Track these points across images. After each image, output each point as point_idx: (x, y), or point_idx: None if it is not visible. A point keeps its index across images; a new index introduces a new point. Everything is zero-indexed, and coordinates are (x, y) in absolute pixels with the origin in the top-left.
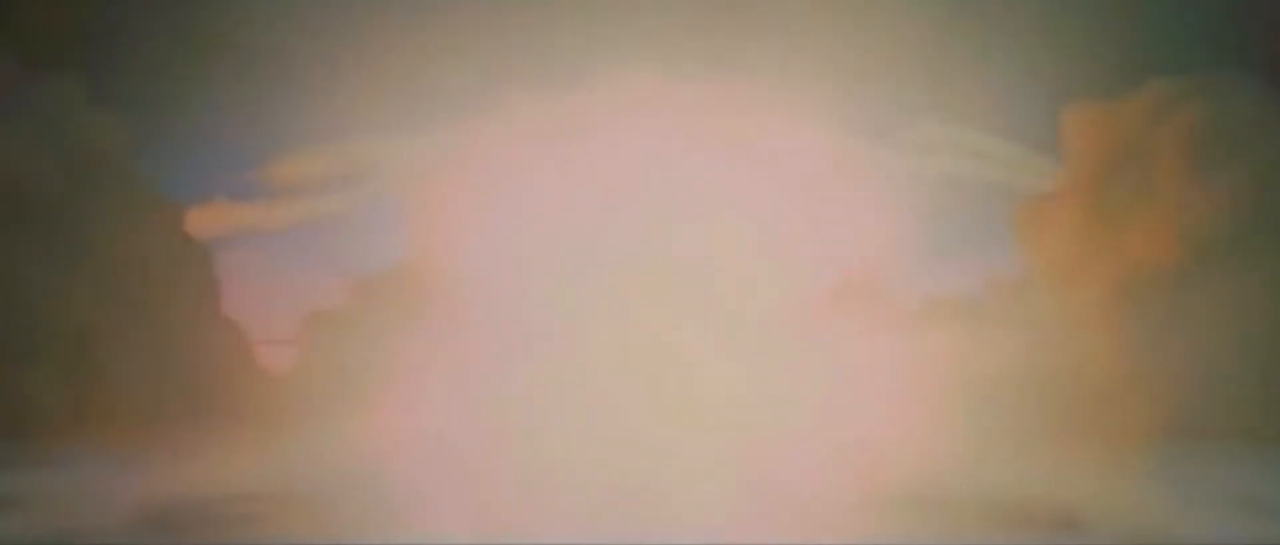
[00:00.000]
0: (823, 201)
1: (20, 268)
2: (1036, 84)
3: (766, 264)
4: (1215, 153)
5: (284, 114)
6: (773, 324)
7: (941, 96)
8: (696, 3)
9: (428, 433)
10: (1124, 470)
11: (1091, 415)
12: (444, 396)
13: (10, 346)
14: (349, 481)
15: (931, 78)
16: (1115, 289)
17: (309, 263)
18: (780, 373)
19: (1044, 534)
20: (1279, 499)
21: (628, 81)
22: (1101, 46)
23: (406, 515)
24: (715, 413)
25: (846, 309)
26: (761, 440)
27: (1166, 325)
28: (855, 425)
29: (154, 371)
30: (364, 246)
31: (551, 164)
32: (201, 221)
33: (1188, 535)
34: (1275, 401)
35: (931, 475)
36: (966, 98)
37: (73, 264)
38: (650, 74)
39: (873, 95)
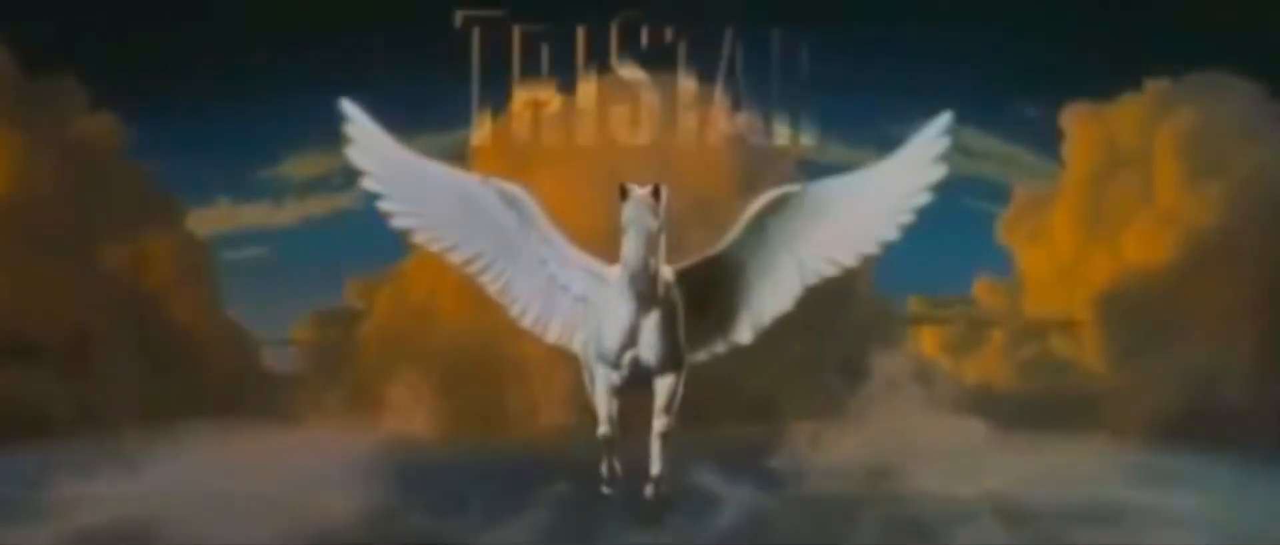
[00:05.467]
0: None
1: (20, 268)
2: (1034, 84)
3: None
4: (1212, 155)
5: (290, 112)
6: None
7: (937, 96)
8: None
9: (434, 434)
10: (1114, 473)
11: (1083, 418)
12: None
13: (10, 347)
14: (354, 482)
15: (927, 77)
16: (1110, 291)
17: (315, 262)
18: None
19: (1034, 534)
20: (1265, 509)
21: (625, 80)
22: (1100, 46)
23: (413, 516)
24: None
25: (840, 311)
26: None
27: (1160, 328)
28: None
29: (156, 372)
30: (371, 245)
31: (556, 161)
32: (204, 221)
33: (1173, 537)
34: (1269, 406)
35: (922, 475)
36: (962, 98)
37: (73, 264)
38: (646, 73)
39: (866, 94)
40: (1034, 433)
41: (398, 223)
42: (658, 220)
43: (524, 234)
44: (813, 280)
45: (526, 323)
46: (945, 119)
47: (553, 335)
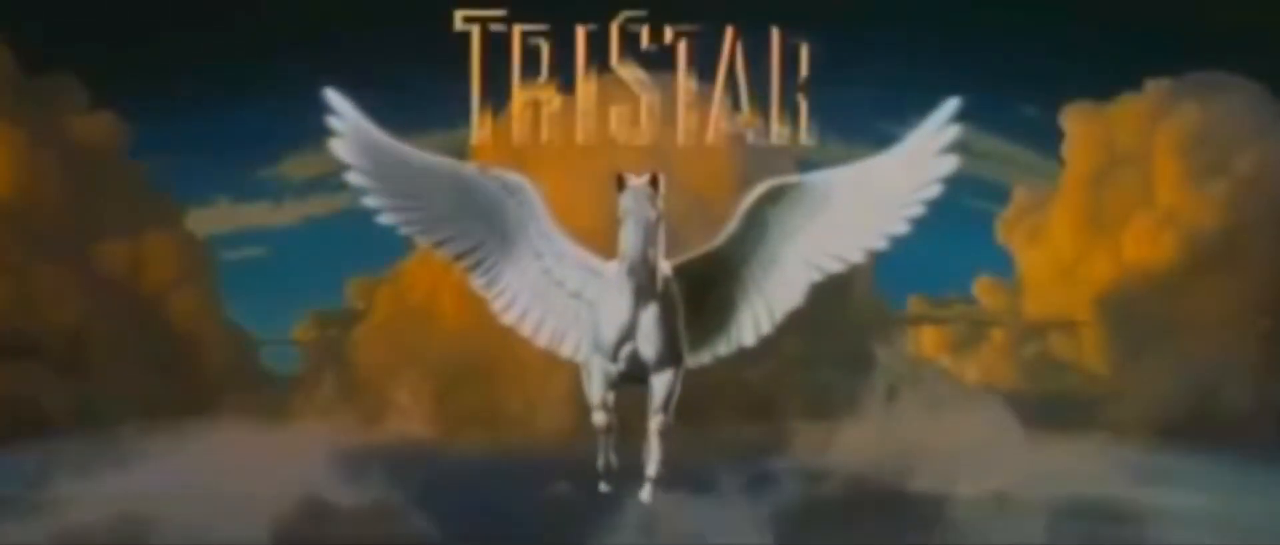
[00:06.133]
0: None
1: (20, 267)
2: (1034, 84)
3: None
4: (1213, 155)
5: (290, 112)
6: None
7: (937, 96)
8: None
9: (433, 434)
10: (1115, 472)
11: (1084, 417)
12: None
13: (10, 346)
14: (353, 481)
15: (927, 77)
16: (1110, 291)
17: (315, 262)
18: None
19: (1035, 533)
20: (1265, 508)
21: (625, 80)
22: (1100, 47)
23: (412, 516)
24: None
25: (840, 310)
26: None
27: (1161, 328)
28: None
29: (155, 371)
30: (371, 245)
31: (556, 161)
32: (204, 221)
33: (1174, 536)
34: (1270, 406)
35: (923, 474)
36: (962, 97)
37: (73, 264)
38: (646, 73)
39: (866, 94)
40: (1035, 432)
41: (385, 218)
42: (656, 210)
43: (521, 225)
44: (818, 276)
45: (514, 316)
46: (951, 107)
47: (545, 336)
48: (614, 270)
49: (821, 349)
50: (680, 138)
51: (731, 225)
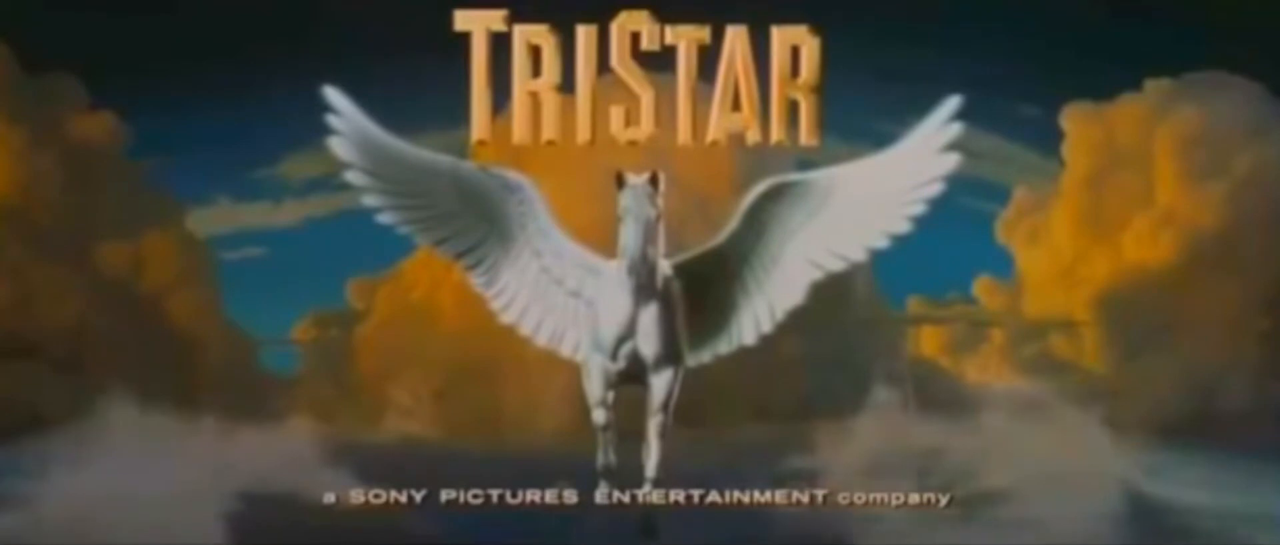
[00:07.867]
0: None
1: (18, 267)
2: (1034, 84)
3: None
4: (1212, 155)
5: (290, 112)
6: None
7: (937, 96)
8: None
9: (434, 434)
10: (1115, 472)
11: (1084, 418)
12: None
13: (8, 347)
14: (352, 482)
15: (927, 76)
16: (1110, 291)
17: (315, 262)
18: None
19: (1035, 534)
20: (1266, 508)
21: (625, 80)
22: (1100, 46)
23: (413, 516)
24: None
25: (839, 310)
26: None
27: (1161, 328)
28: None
29: (154, 372)
30: (371, 245)
31: (555, 161)
32: (204, 221)
33: (1176, 537)
34: (1271, 407)
35: (923, 476)
36: (962, 97)
37: (72, 264)
38: (646, 73)
39: (866, 94)
40: (1035, 433)
41: (385, 217)
42: (655, 208)
43: (521, 224)
44: (819, 274)
45: (513, 315)
46: (951, 105)
47: (545, 335)
48: (614, 269)
49: (820, 349)
50: (680, 138)
51: (732, 223)
